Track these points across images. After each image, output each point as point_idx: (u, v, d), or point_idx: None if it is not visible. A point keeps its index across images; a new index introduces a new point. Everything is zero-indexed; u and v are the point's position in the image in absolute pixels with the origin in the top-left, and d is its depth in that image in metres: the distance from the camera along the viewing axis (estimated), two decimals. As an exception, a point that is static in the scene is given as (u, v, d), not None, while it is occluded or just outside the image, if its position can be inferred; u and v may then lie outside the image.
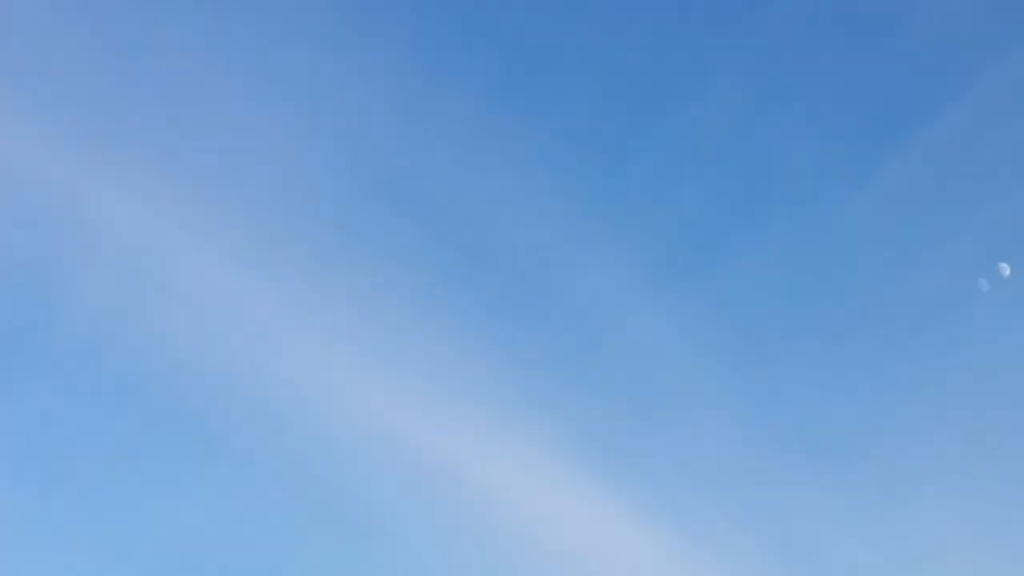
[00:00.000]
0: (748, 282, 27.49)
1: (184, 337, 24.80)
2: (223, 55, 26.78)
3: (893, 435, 25.71)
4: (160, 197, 25.39)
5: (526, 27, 28.92)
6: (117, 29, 26.15)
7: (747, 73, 28.69)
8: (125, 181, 25.24)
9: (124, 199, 25.09)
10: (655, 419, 25.85)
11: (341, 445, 24.37)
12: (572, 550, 23.88)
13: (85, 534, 23.72)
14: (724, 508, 24.61)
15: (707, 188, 28.32)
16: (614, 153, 28.65)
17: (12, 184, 24.74)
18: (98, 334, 24.61)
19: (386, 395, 24.80)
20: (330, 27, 27.67)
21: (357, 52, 27.83)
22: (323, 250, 26.40)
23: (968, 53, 27.89)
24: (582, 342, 26.68)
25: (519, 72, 28.85)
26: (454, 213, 27.25)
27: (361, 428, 24.43)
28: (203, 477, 24.52)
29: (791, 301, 27.53)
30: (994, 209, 26.75)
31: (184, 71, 26.43)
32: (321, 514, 24.18)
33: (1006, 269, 25.03)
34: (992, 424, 25.27)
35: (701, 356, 26.67)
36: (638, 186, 28.32)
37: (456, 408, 24.94)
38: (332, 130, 27.44)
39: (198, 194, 25.73)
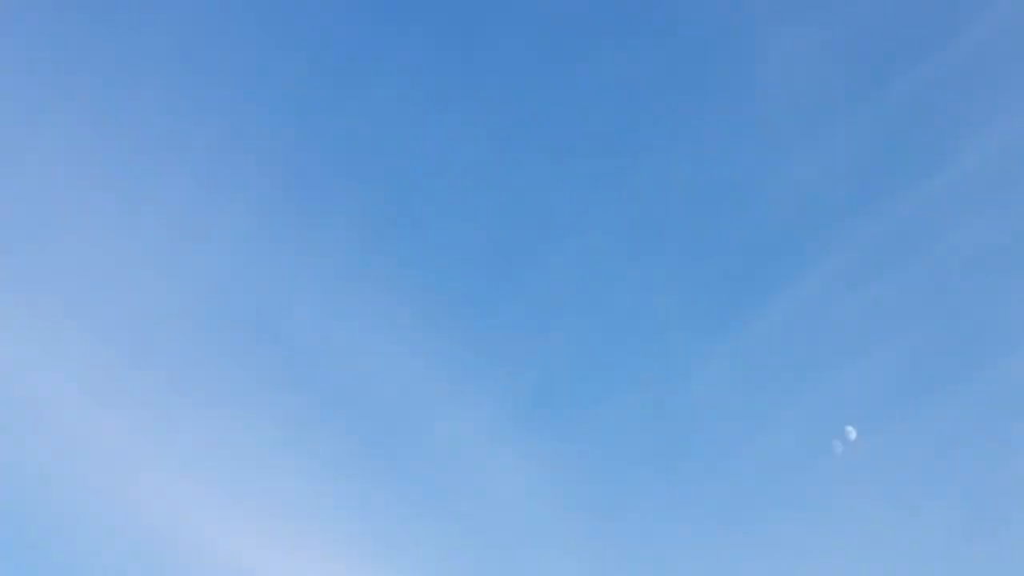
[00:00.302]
0: (606, 434, 27.87)
1: (37, 465, 24.30)
2: (90, 180, 26.78)
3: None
4: (17, 324, 25.05)
5: (398, 170, 29.45)
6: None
7: (611, 232, 29.45)
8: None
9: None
10: (510, 567, 25.81)
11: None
12: None
13: None
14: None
15: (568, 340, 28.82)
16: (478, 303, 29.11)
17: None
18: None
19: (240, 533, 24.44)
20: (202, 161, 27.85)
21: (228, 187, 28.00)
22: (182, 384, 26.18)
23: (825, 219, 29.05)
24: (439, 489, 26.68)
25: (389, 216, 29.27)
26: (316, 353, 27.28)
27: (211, 563, 24.01)
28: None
29: (648, 454, 27.94)
30: (844, 373, 27.58)
31: (48, 191, 26.34)
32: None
33: (852, 433, 25.78)
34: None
35: (557, 506, 26.83)
36: (501, 336, 28.73)
37: (310, 549, 24.64)
38: (197, 264, 27.43)
39: (57, 322, 25.44)
